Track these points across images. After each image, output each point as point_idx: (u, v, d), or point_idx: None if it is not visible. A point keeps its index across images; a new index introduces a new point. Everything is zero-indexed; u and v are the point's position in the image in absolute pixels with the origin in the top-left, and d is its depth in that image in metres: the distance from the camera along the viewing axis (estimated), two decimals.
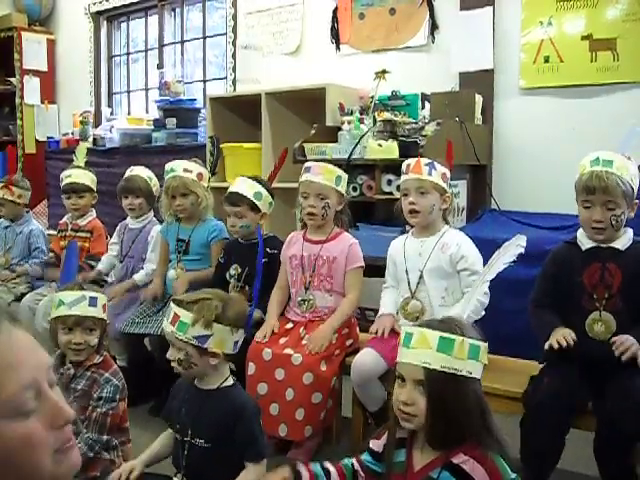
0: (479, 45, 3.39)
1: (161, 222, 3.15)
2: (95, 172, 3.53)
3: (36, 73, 5.92)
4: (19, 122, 5.90)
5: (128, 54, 5.74)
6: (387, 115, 3.19)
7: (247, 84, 4.45)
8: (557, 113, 3.26)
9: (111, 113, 5.61)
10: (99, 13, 5.62)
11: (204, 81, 5.12)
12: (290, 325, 2.52)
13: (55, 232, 3.68)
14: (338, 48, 4.04)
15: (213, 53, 5.13)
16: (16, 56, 5.81)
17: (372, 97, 3.33)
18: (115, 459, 1.93)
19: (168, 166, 2.96)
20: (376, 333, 2.31)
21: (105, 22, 5.70)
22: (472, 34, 3.41)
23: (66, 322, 1.92)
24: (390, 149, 3.01)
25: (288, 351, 2.34)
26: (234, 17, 4.60)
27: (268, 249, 2.66)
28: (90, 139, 5.10)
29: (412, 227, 2.42)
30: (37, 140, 5.91)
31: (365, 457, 1.53)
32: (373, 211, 3.39)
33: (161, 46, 5.35)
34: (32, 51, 5.87)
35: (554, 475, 1.88)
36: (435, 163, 2.30)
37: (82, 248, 3.30)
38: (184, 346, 1.70)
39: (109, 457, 1.92)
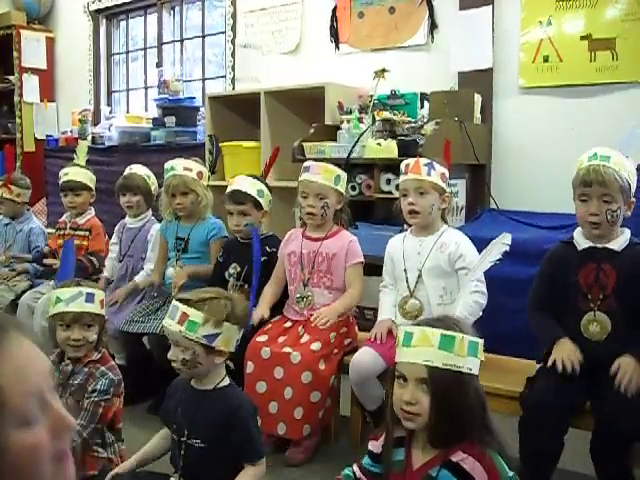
0: (478, 44, 3.39)
1: (160, 221, 3.14)
2: (94, 170, 3.53)
3: (35, 71, 5.90)
4: (18, 120, 5.88)
5: (127, 52, 5.72)
6: (386, 114, 3.19)
7: (246, 83, 4.44)
8: (556, 113, 3.26)
9: (110, 111, 5.59)
10: (98, 11, 5.60)
11: (203, 80, 5.11)
12: (289, 324, 2.52)
13: (53, 230, 3.67)
14: (337, 47, 4.03)
15: (212, 52, 5.11)
16: (15, 54, 5.79)
17: (371, 96, 3.32)
18: (112, 457, 1.93)
19: (168, 164, 2.96)
20: (375, 338, 2.31)
21: (104, 20, 5.68)
22: (471, 33, 3.40)
23: (64, 319, 1.92)
24: (389, 148, 3.00)
25: (287, 350, 2.34)
26: (233, 16, 4.59)
27: (267, 248, 2.66)
28: (89, 137, 5.08)
29: (410, 226, 2.42)
30: (36, 138, 5.89)
31: (365, 460, 1.53)
32: (372, 210, 3.39)
33: (160, 44, 5.34)
34: (31, 49, 5.85)
35: (554, 475, 1.88)
36: (434, 163, 2.31)
37: (81, 246, 3.30)
38: (192, 345, 1.68)
39: (106, 455, 1.92)
